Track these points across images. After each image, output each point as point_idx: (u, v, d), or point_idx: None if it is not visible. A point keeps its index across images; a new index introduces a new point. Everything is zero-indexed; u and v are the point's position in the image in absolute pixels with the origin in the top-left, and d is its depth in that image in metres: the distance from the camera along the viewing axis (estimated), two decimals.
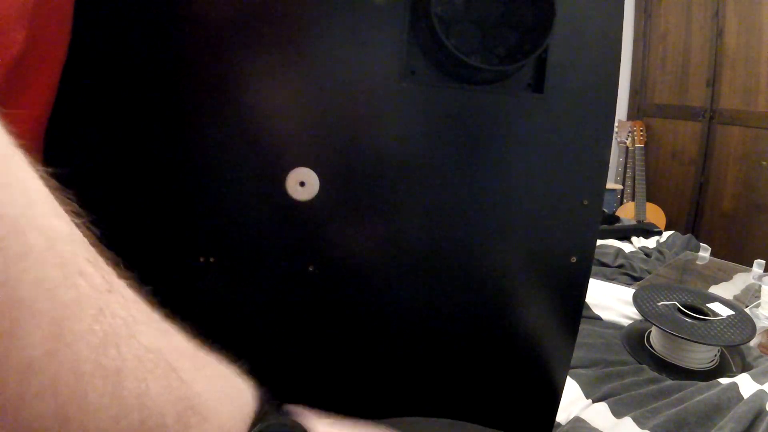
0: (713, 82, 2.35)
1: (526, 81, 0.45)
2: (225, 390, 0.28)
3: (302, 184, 0.44)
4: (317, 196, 0.45)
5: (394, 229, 0.47)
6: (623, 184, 2.71)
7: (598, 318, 0.94)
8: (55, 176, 0.45)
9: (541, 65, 0.44)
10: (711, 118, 2.39)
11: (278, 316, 0.49)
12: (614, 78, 0.45)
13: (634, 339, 0.84)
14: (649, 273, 1.19)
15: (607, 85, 0.45)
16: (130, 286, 0.24)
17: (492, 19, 0.39)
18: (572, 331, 0.51)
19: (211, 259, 0.47)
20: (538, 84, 0.45)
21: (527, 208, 0.47)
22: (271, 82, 0.42)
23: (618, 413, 0.63)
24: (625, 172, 2.70)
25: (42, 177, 0.22)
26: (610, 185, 2.65)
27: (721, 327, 0.77)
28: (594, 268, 0.63)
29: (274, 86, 0.43)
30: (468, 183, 0.46)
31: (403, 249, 0.47)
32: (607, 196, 2.58)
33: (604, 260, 1.24)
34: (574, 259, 0.48)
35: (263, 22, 0.41)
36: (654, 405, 0.65)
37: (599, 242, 1.22)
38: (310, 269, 0.47)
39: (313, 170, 0.44)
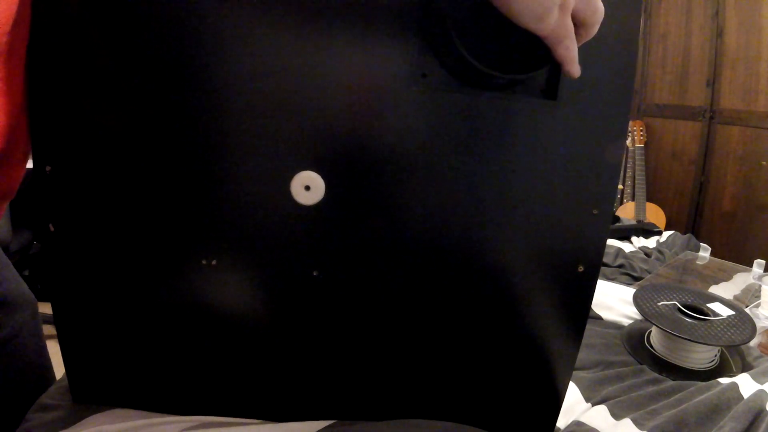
0: (713, 82, 2.35)
1: (539, 87, 0.44)
2: None
3: (307, 188, 0.44)
4: (323, 201, 0.45)
5: (402, 234, 0.47)
6: (623, 184, 2.71)
7: (599, 317, 0.94)
8: (54, 175, 0.45)
9: (555, 71, 0.43)
10: (711, 118, 2.39)
11: (282, 320, 0.49)
12: (629, 85, 0.45)
13: (635, 339, 0.84)
14: (649, 273, 1.19)
15: (622, 92, 0.45)
16: None
17: (508, 22, 0.37)
18: (576, 339, 0.51)
19: (213, 262, 0.46)
20: (551, 90, 0.44)
21: (536, 216, 0.47)
22: (279, 83, 0.42)
23: (617, 415, 0.63)
24: (625, 172, 2.70)
25: None
26: None
27: (721, 327, 0.77)
28: None
29: (281, 88, 0.42)
30: (476, 189, 0.46)
31: (411, 254, 0.47)
32: None
33: (605, 260, 1.24)
34: (581, 268, 0.48)
35: (271, 24, 0.41)
36: (654, 406, 0.65)
37: None
38: (315, 274, 0.47)
39: (319, 174, 0.44)
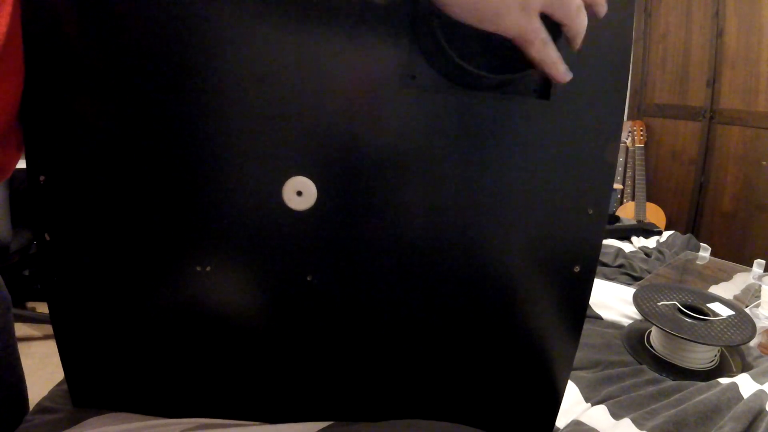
0: (713, 82, 2.35)
1: (532, 87, 0.44)
2: None
3: (299, 193, 0.44)
4: (315, 205, 0.44)
5: (395, 237, 0.46)
6: (623, 184, 2.71)
7: (599, 317, 0.94)
8: (48, 185, 0.45)
9: None
10: (711, 118, 2.39)
11: (278, 324, 0.49)
12: (623, 84, 0.44)
13: (634, 339, 0.84)
14: (649, 273, 1.19)
15: (616, 92, 0.44)
16: None
17: None
18: (574, 339, 0.51)
19: (207, 268, 0.46)
20: (544, 90, 0.44)
21: (531, 217, 0.47)
22: (268, 89, 0.42)
23: (617, 415, 0.63)
24: (625, 172, 2.70)
25: None
26: None
27: (721, 327, 0.77)
28: None
29: (271, 93, 0.42)
30: (469, 191, 0.45)
31: (405, 256, 0.47)
32: None
33: (604, 260, 1.24)
34: (577, 269, 0.48)
35: (261, 26, 0.41)
36: (653, 406, 0.65)
37: None
38: (309, 279, 0.47)
39: (311, 179, 0.44)
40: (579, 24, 0.36)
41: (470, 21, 0.34)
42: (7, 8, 0.38)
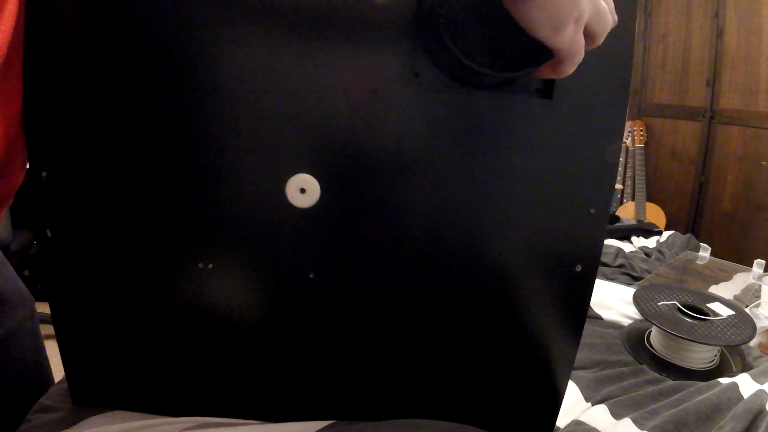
0: (713, 82, 2.35)
1: (534, 86, 0.44)
2: None
3: (303, 191, 0.44)
4: (318, 203, 0.44)
5: (397, 235, 0.46)
6: (623, 184, 2.71)
7: (599, 317, 0.94)
8: (50, 180, 0.45)
9: None
10: (711, 118, 2.39)
11: (280, 323, 0.49)
12: (625, 84, 0.44)
13: (635, 339, 0.84)
14: (649, 273, 1.19)
15: (618, 91, 0.44)
16: None
17: (501, 21, 0.36)
18: (575, 339, 0.51)
19: (210, 266, 0.46)
20: (546, 89, 0.44)
21: (533, 215, 0.47)
22: (272, 86, 0.42)
23: (617, 415, 0.63)
24: (625, 172, 2.70)
25: None
26: None
27: (722, 327, 0.77)
28: None
29: (274, 91, 0.42)
30: (471, 190, 0.45)
31: (407, 255, 0.47)
32: None
33: (605, 260, 1.24)
34: (578, 268, 0.48)
35: (263, 24, 0.41)
36: (654, 406, 0.65)
37: None
38: (311, 276, 0.47)
39: (314, 176, 0.44)
40: (602, 39, 0.36)
41: (534, 29, 0.34)
42: (11, 19, 0.38)
